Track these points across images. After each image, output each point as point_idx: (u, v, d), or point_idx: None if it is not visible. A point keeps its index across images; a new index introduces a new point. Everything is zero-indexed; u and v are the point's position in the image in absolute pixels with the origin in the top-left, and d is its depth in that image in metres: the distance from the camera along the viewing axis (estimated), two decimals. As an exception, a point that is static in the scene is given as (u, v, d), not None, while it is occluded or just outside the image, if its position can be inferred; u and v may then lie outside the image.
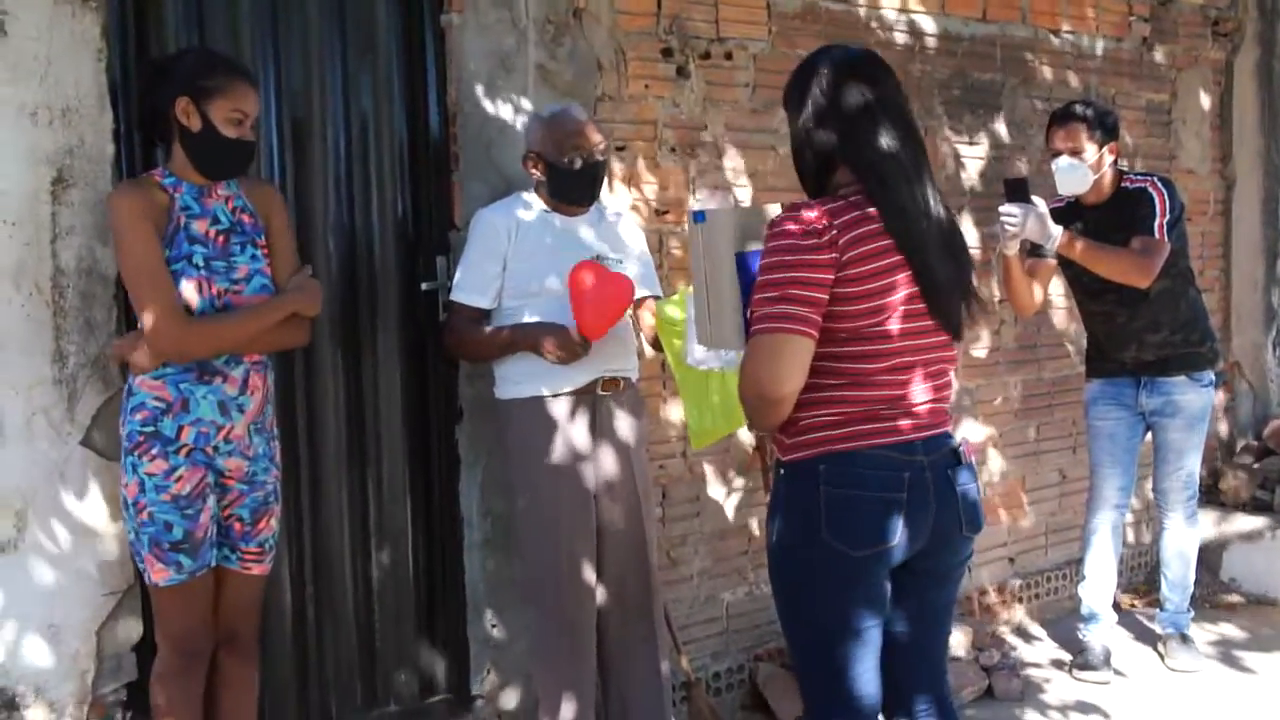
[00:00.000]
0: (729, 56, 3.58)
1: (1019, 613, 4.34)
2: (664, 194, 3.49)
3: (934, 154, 4.07)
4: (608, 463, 2.94)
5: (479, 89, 3.13)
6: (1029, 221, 3.25)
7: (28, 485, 2.50)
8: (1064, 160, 3.55)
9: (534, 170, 2.94)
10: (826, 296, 1.96)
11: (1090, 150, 3.52)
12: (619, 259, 2.99)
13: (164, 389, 2.39)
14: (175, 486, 2.39)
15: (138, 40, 2.69)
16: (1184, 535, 3.87)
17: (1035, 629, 4.30)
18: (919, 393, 2.05)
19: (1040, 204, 3.29)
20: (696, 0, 3.49)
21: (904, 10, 4.00)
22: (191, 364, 2.41)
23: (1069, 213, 3.66)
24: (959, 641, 3.74)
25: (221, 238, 2.47)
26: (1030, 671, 3.87)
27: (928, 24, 4.07)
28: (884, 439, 2.01)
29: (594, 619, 2.96)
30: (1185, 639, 3.91)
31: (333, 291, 3.00)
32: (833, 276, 1.96)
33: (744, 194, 3.65)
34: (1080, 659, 3.83)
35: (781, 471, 2.09)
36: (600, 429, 2.92)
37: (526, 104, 3.19)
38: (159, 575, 2.40)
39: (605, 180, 3.04)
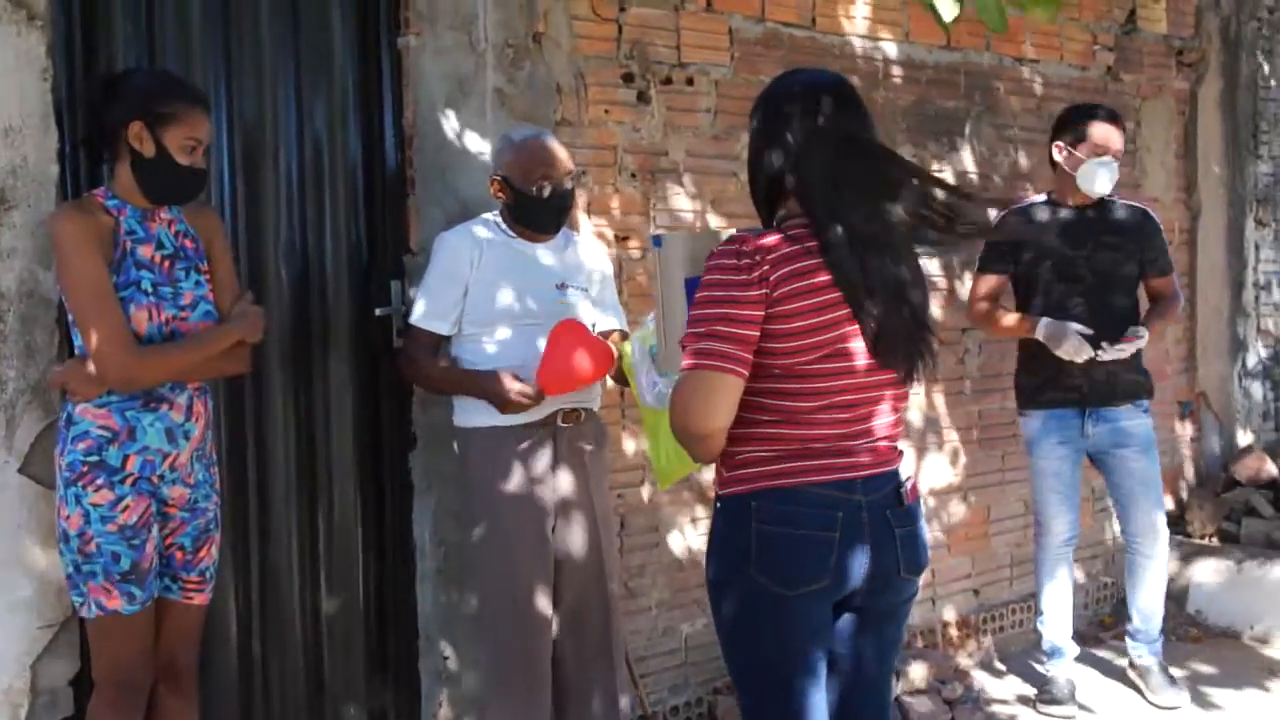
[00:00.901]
0: (690, 82, 3.61)
1: (984, 645, 4.35)
2: (624, 220, 3.50)
3: None
4: (566, 494, 2.93)
5: (436, 112, 3.14)
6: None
7: None
8: (1108, 160, 3.63)
9: (499, 194, 2.94)
10: (756, 333, 1.95)
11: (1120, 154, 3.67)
12: (583, 288, 3.01)
13: (109, 417, 2.37)
14: (122, 517, 2.37)
15: (85, 59, 2.67)
16: (1161, 567, 3.88)
17: (999, 663, 4.31)
18: (860, 431, 2.04)
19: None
20: (658, 25, 3.52)
21: (867, 37, 4.04)
22: (138, 391, 2.39)
23: (1049, 214, 3.75)
24: (920, 675, 3.76)
25: (166, 263, 2.46)
26: (994, 707, 3.89)
27: (891, 50, 4.12)
28: (818, 476, 1.99)
29: (549, 651, 2.95)
30: (1167, 672, 3.90)
31: (284, 316, 2.99)
32: (762, 313, 1.94)
33: (707, 221, 3.66)
34: (1045, 694, 3.85)
35: (718, 505, 2.08)
36: (560, 460, 2.92)
37: (485, 128, 3.19)
38: (113, 603, 2.37)
39: (568, 211, 3.04)
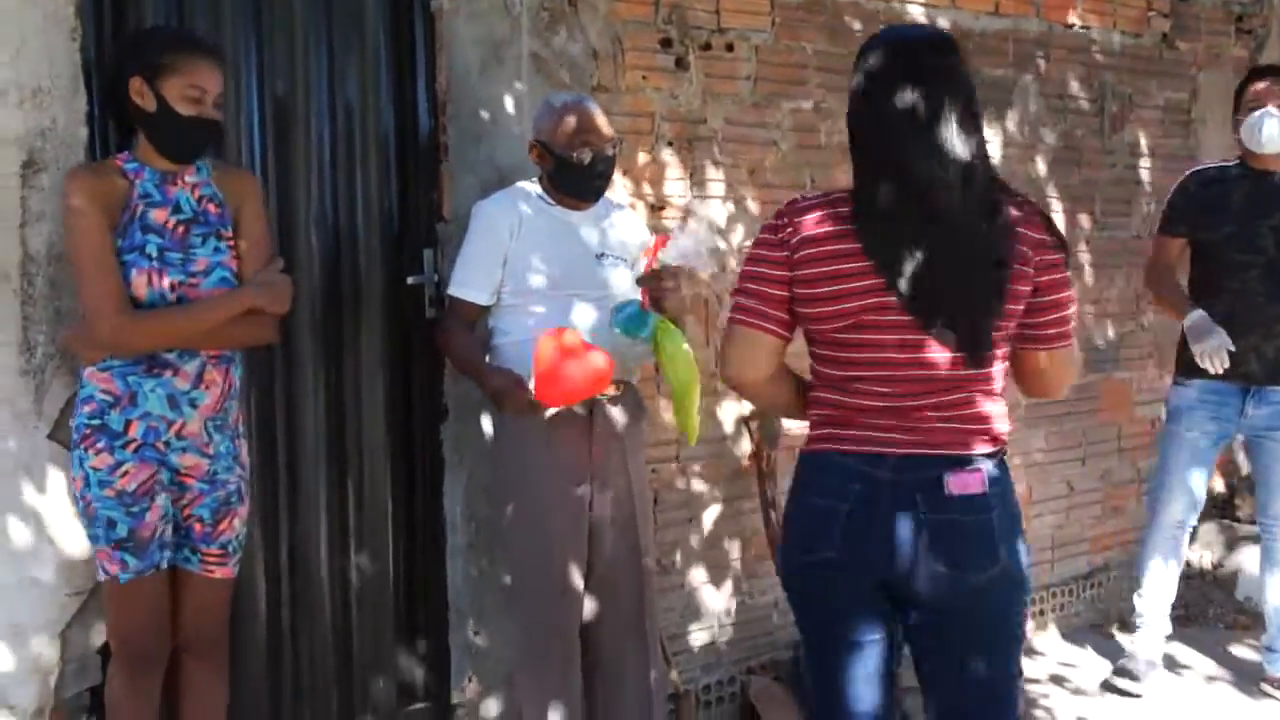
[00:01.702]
0: (730, 48, 3.59)
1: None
2: (660, 189, 3.49)
3: None
4: (602, 467, 2.93)
5: (470, 77, 3.14)
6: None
7: None
8: (1271, 113, 3.55)
9: (539, 161, 2.93)
10: (783, 293, 2.00)
11: None
12: (621, 258, 2.99)
13: (111, 382, 2.38)
14: (120, 482, 2.38)
15: (114, 19, 2.68)
16: None
17: (1039, 644, 4.29)
18: (907, 409, 1.98)
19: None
20: None
21: (914, 3, 4.00)
22: (141, 356, 2.40)
23: (1234, 179, 3.68)
24: None
25: (182, 228, 2.45)
26: (1031, 688, 3.86)
27: (938, 17, 4.07)
28: (846, 446, 2.00)
29: (579, 626, 2.96)
30: None
31: (315, 285, 3.00)
32: (786, 274, 1.99)
33: (744, 191, 3.65)
34: (1122, 669, 3.80)
35: None
36: (595, 432, 2.91)
37: (520, 93, 3.18)
38: (114, 568, 2.40)
39: (610, 178, 3.03)
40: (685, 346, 2.85)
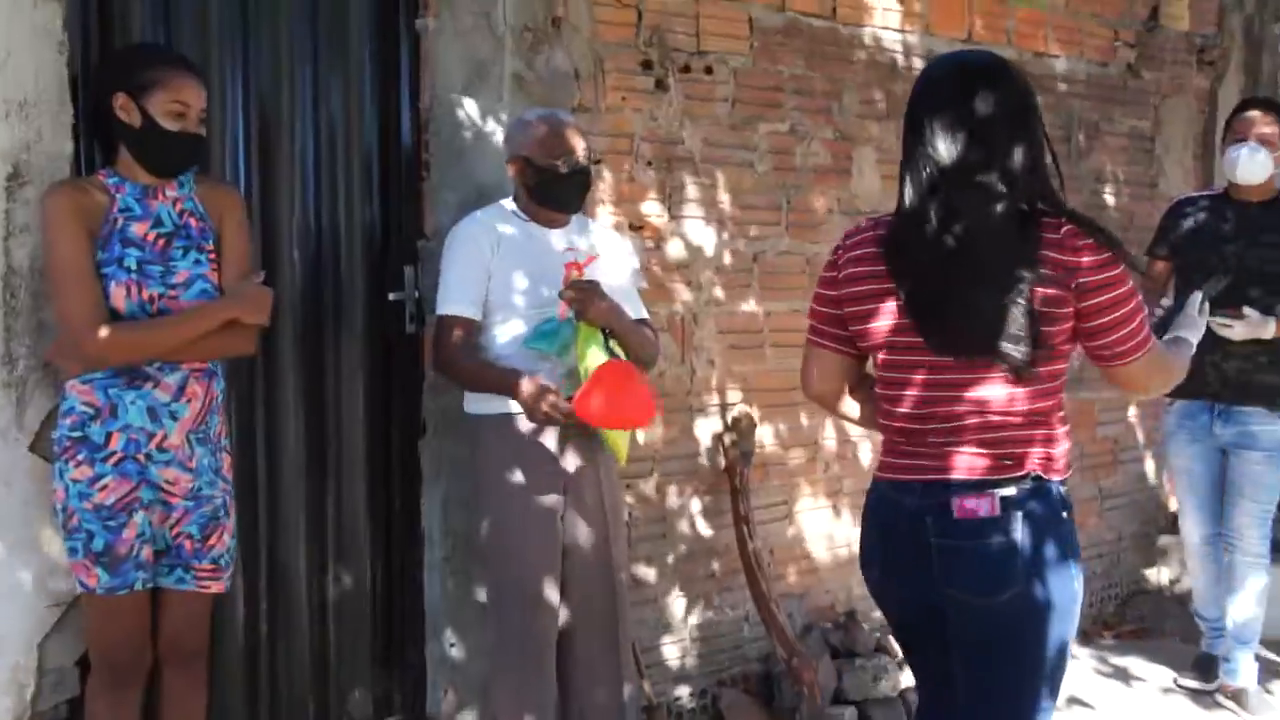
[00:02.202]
0: (709, 70, 3.63)
1: None
2: (639, 209, 3.52)
3: None
4: (576, 483, 2.96)
5: (453, 96, 3.16)
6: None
7: None
8: (1249, 146, 3.66)
9: (520, 175, 2.94)
10: (836, 312, 2.13)
11: (1275, 143, 3.67)
12: (599, 276, 2.98)
13: (92, 394, 2.39)
14: (98, 495, 2.38)
15: (101, 33, 2.68)
16: (1253, 571, 3.83)
17: None
18: (932, 430, 2.02)
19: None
20: (678, 12, 3.55)
21: (888, 29, 4.07)
22: (122, 369, 2.40)
23: (1216, 203, 3.79)
24: None
25: (162, 241, 2.46)
26: None
27: (913, 43, 4.15)
28: (887, 474, 2.12)
29: (555, 638, 2.98)
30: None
31: (297, 299, 3.02)
32: (835, 293, 2.12)
33: (721, 211, 3.70)
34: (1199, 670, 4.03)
35: None
36: (570, 449, 2.93)
37: (502, 113, 3.21)
38: (92, 581, 2.40)
39: (589, 188, 3.06)
40: (608, 357, 2.83)
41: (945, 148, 1.96)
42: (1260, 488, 3.78)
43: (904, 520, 2.05)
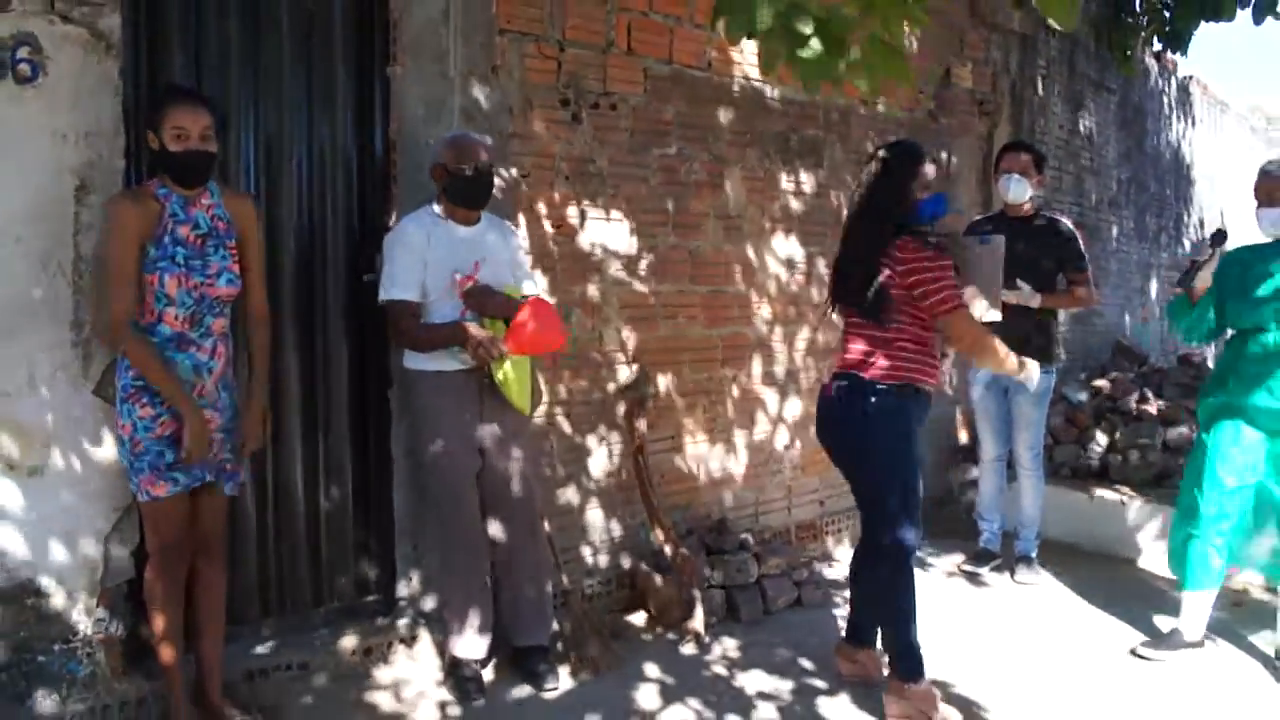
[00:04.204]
0: (614, 107, 3.70)
1: (825, 544, 4.60)
2: (560, 212, 3.58)
3: (770, 190, 4.27)
4: (493, 423, 3.00)
5: (415, 125, 3.20)
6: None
7: (52, 425, 2.59)
8: (1014, 176, 4.05)
9: (438, 180, 2.96)
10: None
11: (1031, 174, 4.06)
12: (502, 259, 3.05)
13: None
14: (159, 429, 2.49)
15: (149, 79, 2.75)
16: (1032, 484, 4.28)
17: (836, 554, 4.59)
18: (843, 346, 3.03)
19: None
20: (589, 63, 3.61)
21: (750, 80, 4.15)
22: (172, 334, 2.47)
23: (997, 221, 4.15)
24: (776, 563, 3.93)
25: (200, 240, 2.51)
26: (830, 588, 4.11)
27: (767, 90, 4.24)
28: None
29: (484, 543, 3.04)
30: (1030, 561, 4.30)
31: (295, 280, 3.08)
32: None
33: (622, 215, 3.75)
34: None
35: None
36: (488, 396, 2.98)
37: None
38: (159, 490, 2.50)
39: (492, 191, 3.04)
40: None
41: (857, 197, 2.96)
42: (1031, 422, 4.19)
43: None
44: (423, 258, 2.90)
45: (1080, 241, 4.15)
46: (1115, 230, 6.90)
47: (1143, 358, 6.24)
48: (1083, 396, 5.28)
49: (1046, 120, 5.84)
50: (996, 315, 3.09)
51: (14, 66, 2.48)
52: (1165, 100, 7.76)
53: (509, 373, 2.95)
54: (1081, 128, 6.30)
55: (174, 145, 2.41)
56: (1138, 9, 5.32)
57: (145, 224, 2.44)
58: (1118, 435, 4.99)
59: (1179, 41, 5.02)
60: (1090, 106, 6.41)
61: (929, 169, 2.88)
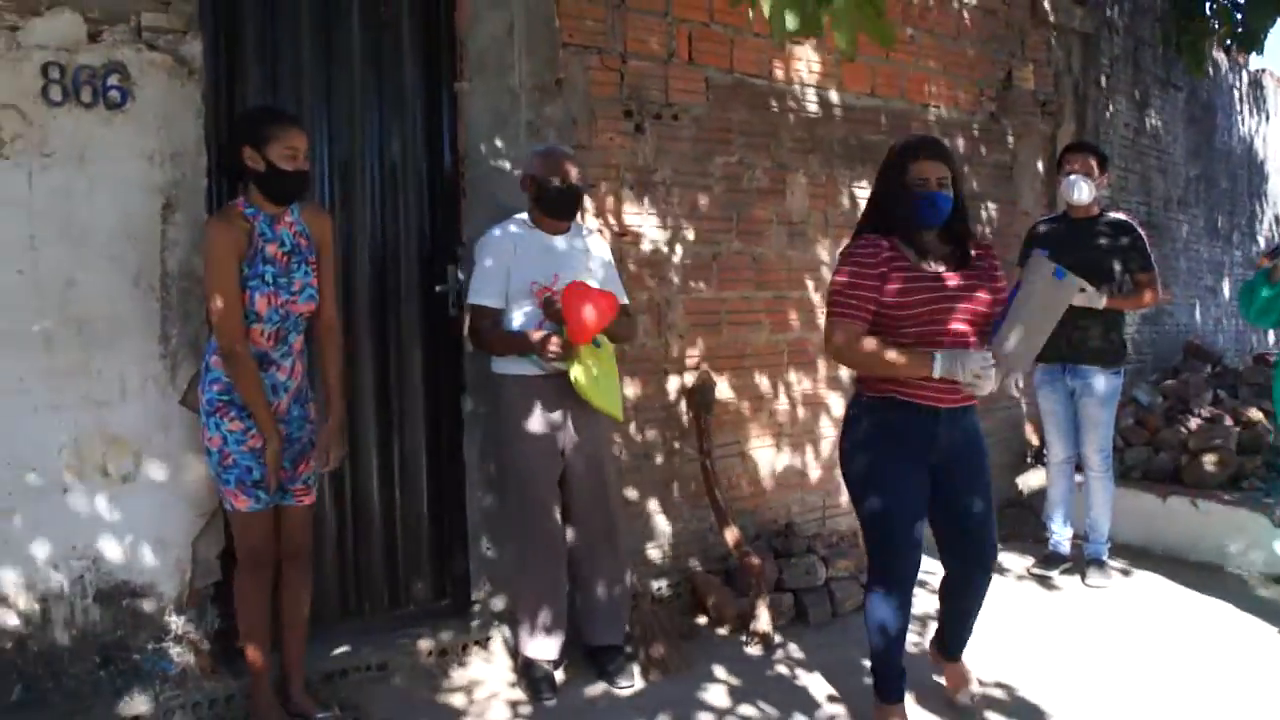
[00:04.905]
0: (676, 118, 3.67)
1: None
2: (625, 221, 3.57)
3: (833, 195, 4.21)
4: (575, 427, 3.00)
5: (482, 139, 3.23)
6: None
7: (142, 433, 2.65)
8: (1076, 176, 3.91)
9: (528, 191, 2.99)
10: None
11: (1094, 174, 3.92)
12: (589, 269, 3.06)
13: None
14: (250, 441, 2.51)
15: (228, 103, 2.81)
16: (1101, 487, 4.12)
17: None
18: None
19: None
20: (651, 74, 3.60)
21: (811, 86, 4.12)
22: (257, 353, 2.51)
23: (1061, 222, 4.04)
24: (845, 565, 3.84)
25: (285, 258, 2.55)
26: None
27: (830, 96, 4.20)
28: None
29: (562, 545, 3.04)
30: (1101, 565, 4.13)
31: (369, 291, 3.11)
32: None
33: (685, 223, 3.73)
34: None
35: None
36: (571, 402, 2.97)
37: (519, 150, 3.25)
38: (242, 504, 2.54)
39: (581, 204, 3.07)
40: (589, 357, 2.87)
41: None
42: (1099, 424, 4.04)
43: None
44: (507, 265, 2.93)
45: (1145, 241, 3.99)
46: (1185, 229, 6.66)
47: (1216, 358, 5.99)
48: (1153, 398, 5.10)
49: (1111, 119, 5.67)
50: (1023, 364, 2.63)
51: (105, 93, 2.55)
52: (1236, 95, 7.47)
53: (580, 377, 2.92)
54: (1148, 125, 6.11)
55: (286, 165, 2.45)
56: (1207, 11, 5.08)
57: (240, 245, 2.47)
58: (1190, 437, 4.78)
59: (1252, 41, 4.81)
60: (1156, 104, 6.21)
61: (916, 166, 2.52)
